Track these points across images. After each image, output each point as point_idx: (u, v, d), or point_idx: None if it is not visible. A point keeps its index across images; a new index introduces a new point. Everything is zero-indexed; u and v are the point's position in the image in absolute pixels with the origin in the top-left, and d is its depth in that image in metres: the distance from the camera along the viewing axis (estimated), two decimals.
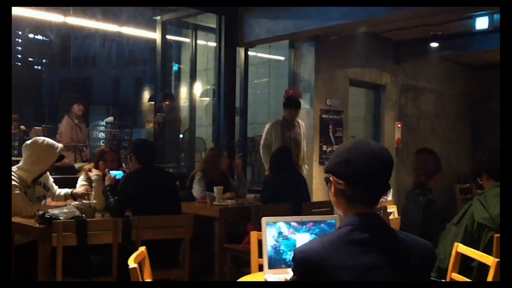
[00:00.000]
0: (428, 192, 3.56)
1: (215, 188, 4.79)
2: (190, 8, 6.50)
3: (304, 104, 7.07)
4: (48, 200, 4.19)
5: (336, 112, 7.31)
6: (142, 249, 2.44)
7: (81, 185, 4.32)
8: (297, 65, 7.27)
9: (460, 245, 2.45)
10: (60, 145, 4.08)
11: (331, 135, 7.18)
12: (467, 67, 9.96)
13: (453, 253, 2.42)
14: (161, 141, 6.42)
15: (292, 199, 4.53)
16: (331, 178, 1.59)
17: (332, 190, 1.60)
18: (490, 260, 2.16)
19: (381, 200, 1.60)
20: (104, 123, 6.23)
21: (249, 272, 2.62)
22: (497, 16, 6.40)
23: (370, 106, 8.28)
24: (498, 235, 2.52)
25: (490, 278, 2.10)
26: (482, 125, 10.00)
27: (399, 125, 8.44)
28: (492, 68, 9.30)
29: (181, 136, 7.53)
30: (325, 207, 4.53)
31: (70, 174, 4.89)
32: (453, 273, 2.39)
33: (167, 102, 6.67)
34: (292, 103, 6.01)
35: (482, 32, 6.77)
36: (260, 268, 2.48)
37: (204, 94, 8.49)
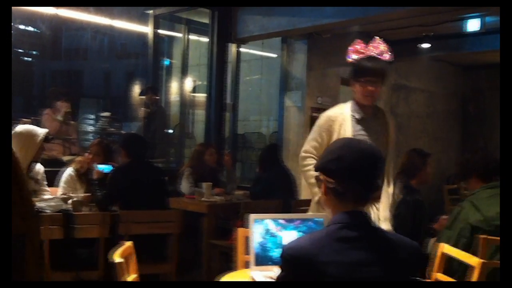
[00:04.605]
0: (416, 192, 3.57)
1: (204, 184, 4.79)
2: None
3: (295, 102, 7.07)
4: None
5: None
6: (129, 243, 2.42)
7: (66, 178, 4.29)
8: (289, 63, 7.25)
9: (446, 245, 2.46)
10: (42, 131, 3.87)
11: None
12: (458, 68, 10.00)
13: (438, 253, 2.43)
14: (147, 135, 6.37)
15: (280, 195, 4.55)
16: (321, 177, 1.60)
17: (323, 189, 1.60)
18: (474, 261, 2.17)
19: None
20: (94, 117, 6.20)
21: (235, 269, 2.62)
22: (488, 19, 6.44)
23: None
24: (485, 236, 2.53)
25: (474, 279, 2.11)
26: (472, 125, 10.05)
27: None
28: (483, 68, 9.36)
29: (171, 131, 7.50)
30: None
31: (57, 167, 4.83)
32: (438, 273, 2.40)
33: (154, 97, 6.62)
34: (367, 71, 2.98)
35: (474, 33, 6.81)
36: (247, 265, 2.47)
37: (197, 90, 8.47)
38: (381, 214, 2.86)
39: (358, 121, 3.00)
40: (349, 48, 3.11)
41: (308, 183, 3.21)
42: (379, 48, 3.05)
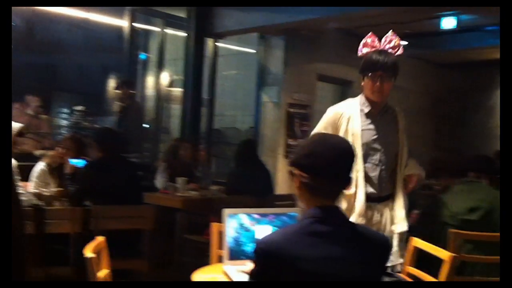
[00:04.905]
0: None
1: (178, 179, 4.77)
2: None
3: (272, 97, 7.07)
4: None
5: (303, 106, 7.33)
6: (101, 238, 2.39)
7: (38, 173, 4.21)
8: (266, 58, 7.26)
9: (415, 239, 2.49)
10: (16, 126, 3.79)
11: (297, 129, 7.21)
12: (433, 65, 10.12)
13: (410, 247, 2.46)
14: (121, 130, 6.29)
15: (256, 191, 4.55)
16: (295, 172, 1.60)
17: (297, 184, 1.61)
18: (444, 255, 2.21)
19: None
20: (68, 111, 6.12)
21: (209, 263, 2.61)
22: (463, 17, 6.53)
23: (337, 101, 8.30)
24: (455, 230, 2.58)
25: (444, 273, 2.15)
26: (446, 122, 10.18)
27: None
28: (458, 67, 9.49)
29: (146, 126, 7.43)
30: (288, 200, 4.54)
31: (29, 161, 4.75)
32: (409, 267, 2.43)
33: (129, 91, 6.55)
34: (377, 65, 2.80)
35: (449, 31, 6.89)
36: (221, 260, 2.47)
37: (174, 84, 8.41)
38: (397, 215, 2.73)
39: (367, 116, 2.86)
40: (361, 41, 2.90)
41: None
42: (391, 42, 2.86)
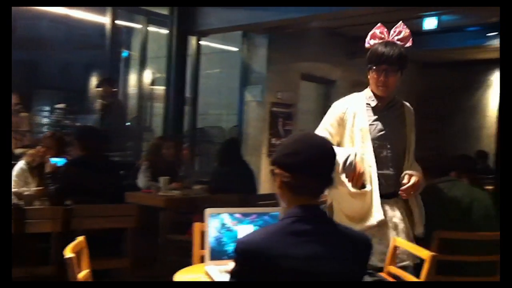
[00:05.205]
0: None
1: (161, 178, 4.75)
2: None
3: (255, 96, 7.07)
4: None
5: (287, 105, 7.34)
6: (80, 238, 2.37)
7: (17, 172, 4.16)
8: (250, 57, 7.26)
9: (398, 238, 2.51)
10: None
11: (280, 128, 7.22)
12: (416, 65, 10.20)
13: (391, 246, 2.48)
14: (103, 128, 6.24)
15: (238, 190, 4.54)
16: (276, 171, 1.60)
17: (278, 183, 1.61)
18: (424, 254, 2.23)
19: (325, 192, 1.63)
20: (49, 109, 6.05)
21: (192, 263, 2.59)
22: (444, 17, 6.59)
23: (321, 101, 8.36)
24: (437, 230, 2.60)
25: (424, 272, 2.17)
26: (429, 122, 10.26)
27: None
28: (440, 66, 9.58)
29: (129, 124, 7.38)
30: (271, 199, 4.55)
31: None
32: (390, 267, 2.44)
33: (110, 89, 6.49)
34: (381, 58, 2.66)
35: (432, 31, 6.96)
36: (203, 260, 2.46)
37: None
38: (413, 216, 2.68)
39: (374, 111, 2.73)
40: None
41: None
42: (400, 33, 2.67)
